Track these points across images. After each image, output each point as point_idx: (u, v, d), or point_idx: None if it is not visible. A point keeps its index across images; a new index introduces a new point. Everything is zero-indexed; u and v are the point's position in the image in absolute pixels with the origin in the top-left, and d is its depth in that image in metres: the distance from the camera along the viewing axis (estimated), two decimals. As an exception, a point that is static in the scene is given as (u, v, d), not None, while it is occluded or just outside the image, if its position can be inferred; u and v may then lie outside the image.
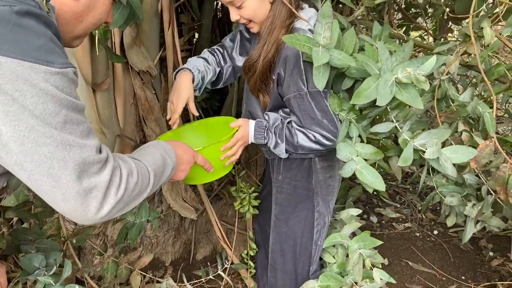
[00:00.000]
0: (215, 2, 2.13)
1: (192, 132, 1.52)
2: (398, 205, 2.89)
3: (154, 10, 1.66)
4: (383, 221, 2.69)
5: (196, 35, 2.37)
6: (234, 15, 1.28)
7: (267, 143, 1.37)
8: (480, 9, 1.53)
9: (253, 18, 1.28)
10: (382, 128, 1.36)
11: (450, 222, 1.81)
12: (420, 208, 2.78)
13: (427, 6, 2.30)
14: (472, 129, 1.63)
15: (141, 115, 1.79)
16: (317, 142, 1.31)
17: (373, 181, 1.25)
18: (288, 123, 1.36)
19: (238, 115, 1.60)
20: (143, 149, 0.99)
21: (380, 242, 1.41)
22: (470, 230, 1.78)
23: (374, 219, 2.70)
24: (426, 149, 1.27)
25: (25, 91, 0.63)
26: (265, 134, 1.37)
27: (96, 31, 1.44)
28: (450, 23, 2.19)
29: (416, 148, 1.29)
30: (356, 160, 1.28)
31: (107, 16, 0.89)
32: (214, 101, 2.49)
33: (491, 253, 2.36)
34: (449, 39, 2.49)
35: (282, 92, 1.32)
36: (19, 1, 0.67)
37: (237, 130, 1.35)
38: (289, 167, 1.49)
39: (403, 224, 2.65)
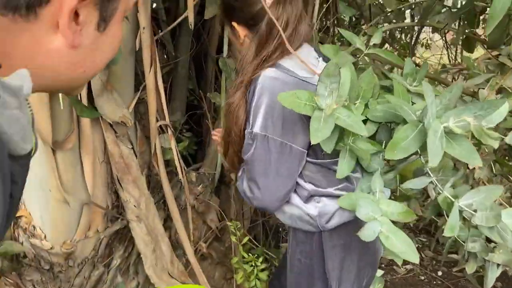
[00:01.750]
0: (191, 34, 1.84)
1: None
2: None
3: (130, 47, 1.34)
4: (383, 264, 2.46)
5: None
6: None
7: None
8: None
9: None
10: (416, 184, 1.13)
11: (470, 269, 1.61)
12: (418, 246, 2.60)
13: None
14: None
15: (115, 175, 1.44)
16: (247, 190, 1.09)
17: (403, 250, 0.96)
18: None
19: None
20: None
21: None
22: (493, 276, 1.59)
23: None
24: (474, 211, 1.04)
25: None
26: None
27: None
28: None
29: (461, 209, 1.05)
30: (381, 220, 1.00)
31: (118, 46, 0.56)
32: (192, 144, 2.17)
33: (501, 293, 2.20)
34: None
35: None
36: None
37: None
38: (298, 240, 1.20)
39: (404, 267, 2.44)
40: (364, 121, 1.09)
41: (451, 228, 1.01)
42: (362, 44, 1.29)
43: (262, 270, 1.63)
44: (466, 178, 1.43)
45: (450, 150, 0.94)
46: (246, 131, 1.04)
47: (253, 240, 1.78)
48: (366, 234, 0.98)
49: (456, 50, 3.29)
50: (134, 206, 1.44)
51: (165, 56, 1.94)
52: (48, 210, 1.41)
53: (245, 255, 1.67)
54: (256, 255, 1.70)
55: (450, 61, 3.28)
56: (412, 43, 3.24)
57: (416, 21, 1.47)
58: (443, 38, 3.24)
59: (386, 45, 2.97)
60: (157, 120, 1.38)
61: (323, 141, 0.95)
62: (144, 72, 1.77)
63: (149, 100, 1.34)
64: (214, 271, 2.06)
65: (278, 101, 0.93)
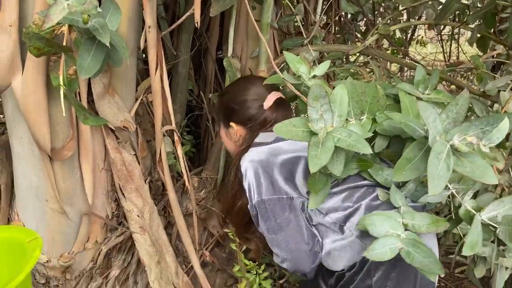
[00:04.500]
0: (192, 31, 1.75)
1: None
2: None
3: (132, 46, 1.25)
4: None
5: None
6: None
7: None
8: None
9: (227, 146, 1.34)
10: (435, 197, 1.07)
11: (479, 273, 1.58)
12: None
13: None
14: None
15: (116, 184, 1.35)
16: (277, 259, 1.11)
17: (425, 262, 0.91)
18: None
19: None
20: None
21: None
22: (502, 279, 1.57)
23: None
24: (498, 225, 0.98)
25: None
26: None
27: (61, 81, 1.00)
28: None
29: (484, 223, 0.99)
30: (405, 235, 0.94)
31: None
32: (189, 146, 2.08)
33: (504, 294, 2.18)
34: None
35: None
36: None
37: None
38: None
39: (406, 268, 2.41)
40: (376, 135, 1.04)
41: (472, 245, 0.94)
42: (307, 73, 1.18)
43: (266, 278, 1.56)
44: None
45: (460, 169, 0.86)
46: (250, 210, 1.13)
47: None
48: (377, 253, 0.90)
49: (451, 46, 3.28)
50: (138, 216, 1.36)
51: (164, 53, 1.84)
52: (44, 221, 1.31)
53: (247, 262, 1.60)
54: (258, 263, 1.63)
55: (445, 58, 3.26)
56: (407, 39, 3.22)
57: (434, 18, 1.43)
58: (439, 35, 3.21)
59: (384, 42, 2.94)
60: (162, 125, 1.29)
61: (330, 165, 0.89)
62: (141, 72, 1.68)
63: (155, 103, 1.25)
64: (215, 277, 1.99)
65: (258, 167, 1.09)
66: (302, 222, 1.07)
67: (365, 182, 1.12)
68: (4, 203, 1.36)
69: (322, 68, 1.12)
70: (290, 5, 1.44)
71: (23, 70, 1.06)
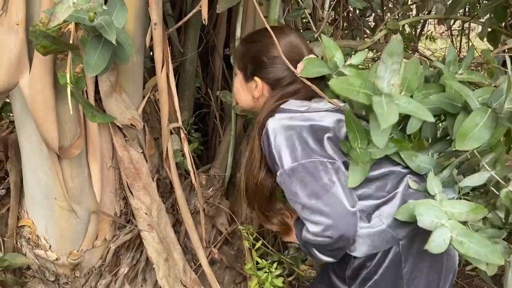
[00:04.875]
0: (199, 28, 1.75)
1: None
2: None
3: (139, 44, 1.24)
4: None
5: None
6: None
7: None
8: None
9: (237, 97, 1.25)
10: (475, 180, 1.03)
11: (490, 271, 1.56)
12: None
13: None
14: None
15: (124, 181, 1.35)
16: (309, 232, 0.98)
17: (482, 252, 0.87)
18: None
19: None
20: None
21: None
22: None
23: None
24: None
25: None
26: None
27: (67, 79, 1.00)
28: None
29: None
30: (449, 225, 0.91)
31: None
32: (197, 143, 2.08)
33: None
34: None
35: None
36: None
37: None
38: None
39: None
40: (404, 117, 1.02)
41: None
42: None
43: (277, 276, 1.56)
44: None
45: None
46: (278, 177, 1.02)
47: (267, 245, 1.71)
48: (436, 245, 0.88)
49: (461, 41, 3.23)
50: (146, 213, 1.36)
51: (171, 50, 1.84)
52: (53, 219, 1.32)
53: (259, 260, 1.59)
54: (270, 261, 1.63)
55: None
56: (417, 34, 3.18)
57: (443, 13, 1.40)
58: (449, 30, 3.17)
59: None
60: (169, 123, 1.29)
61: (375, 136, 0.87)
62: (148, 70, 1.68)
63: (161, 101, 1.24)
64: (224, 275, 1.99)
65: (293, 131, 1.00)
66: (346, 184, 0.99)
67: (397, 168, 1.07)
68: (13, 201, 1.37)
69: (359, 57, 1.11)
70: (298, 0, 1.42)
71: (30, 68, 1.06)
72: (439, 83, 1.10)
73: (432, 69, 1.18)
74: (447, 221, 0.92)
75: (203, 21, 1.16)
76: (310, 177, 0.96)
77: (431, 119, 0.87)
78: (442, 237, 0.89)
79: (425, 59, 1.51)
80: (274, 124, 1.02)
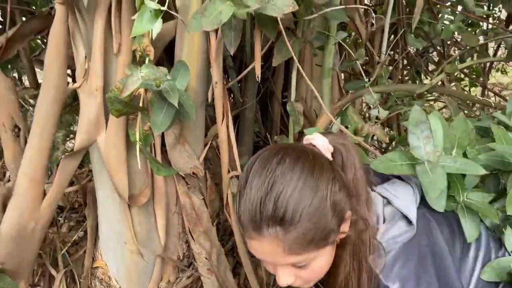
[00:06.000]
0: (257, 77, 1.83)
1: None
2: None
3: (201, 100, 1.35)
4: None
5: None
6: (286, 278, 0.82)
7: None
8: None
9: (316, 278, 0.86)
10: None
11: None
12: None
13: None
14: None
15: (186, 226, 1.43)
16: None
17: None
18: None
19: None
20: None
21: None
22: None
23: None
24: None
25: None
26: None
27: (137, 137, 1.11)
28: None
29: None
30: None
31: None
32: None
33: None
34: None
35: None
36: None
37: None
38: None
39: None
40: (463, 175, 0.99)
41: None
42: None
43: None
44: None
45: None
46: None
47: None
48: None
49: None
50: (206, 258, 1.42)
51: (232, 100, 1.95)
52: (123, 262, 1.42)
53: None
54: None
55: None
56: (486, 68, 3.03)
57: (505, 56, 1.35)
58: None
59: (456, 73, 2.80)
60: (229, 171, 1.36)
61: (432, 199, 0.86)
62: (211, 117, 1.78)
63: (222, 151, 1.32)
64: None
65: (421, 258, 0.83)
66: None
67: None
68: (89, 244, 1.51)
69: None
70: (350, 51, 1.46)
71: (106, 127, 1.20)
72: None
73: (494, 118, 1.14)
74: None
75: (257, 79, 1.24)
76: None
77: (483, 171, 0.85)
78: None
79: (489, 101, 1.45)
80: (394, 276, 0.83)
